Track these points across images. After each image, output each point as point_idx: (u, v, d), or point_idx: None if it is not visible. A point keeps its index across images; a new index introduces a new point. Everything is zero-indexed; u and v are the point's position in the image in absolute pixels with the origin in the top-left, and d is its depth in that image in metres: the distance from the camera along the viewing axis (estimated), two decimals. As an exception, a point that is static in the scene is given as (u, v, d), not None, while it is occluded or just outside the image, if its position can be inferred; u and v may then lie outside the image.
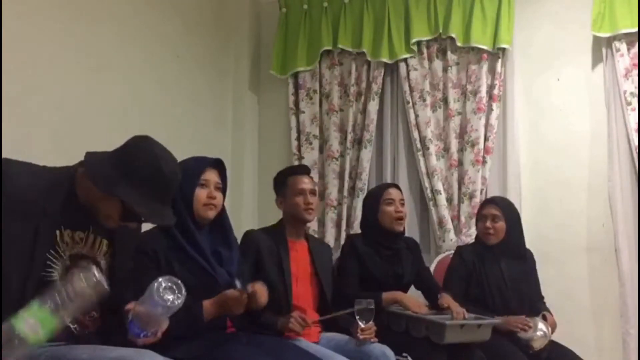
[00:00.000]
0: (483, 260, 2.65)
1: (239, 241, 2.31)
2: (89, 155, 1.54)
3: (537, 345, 2.43)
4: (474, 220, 2.96)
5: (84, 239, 1.56)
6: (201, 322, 1.78)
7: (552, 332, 2.50)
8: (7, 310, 1.29)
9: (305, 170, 2.52)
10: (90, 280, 1.32)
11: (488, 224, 2.63)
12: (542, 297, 2.74)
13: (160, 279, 1.45)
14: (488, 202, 2.75)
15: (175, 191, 1.63)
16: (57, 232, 1.48)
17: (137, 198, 1.48)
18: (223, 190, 2.00)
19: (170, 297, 1.44)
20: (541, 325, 2.45)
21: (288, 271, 2.28)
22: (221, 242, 2.00)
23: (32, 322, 1.23)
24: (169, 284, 1.45)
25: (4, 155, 1.50)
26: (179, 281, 1.48)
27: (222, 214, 2.00)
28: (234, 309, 1.82)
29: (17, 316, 1.23)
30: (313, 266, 2.41)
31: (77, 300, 1.30)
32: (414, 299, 2.49)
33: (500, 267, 2.63)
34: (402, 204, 2.63)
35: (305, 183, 2.42)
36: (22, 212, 1.41)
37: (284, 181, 2.46)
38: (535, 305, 2.62)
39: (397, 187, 2.71)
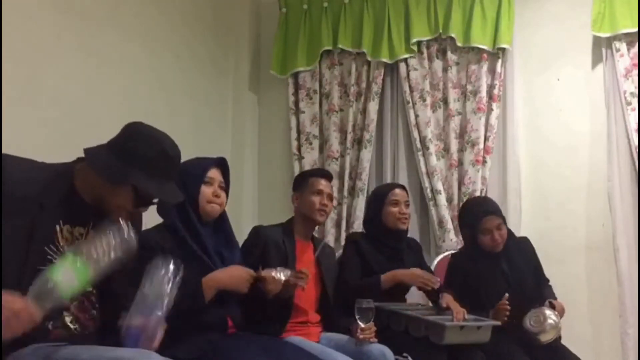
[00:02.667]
0: (480, 266, 2.57)
1: (245, 236, 2.35)
2: (88, 150, 1.54)
3: (548, 337, 2.36)
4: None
5: (84, 235, 1.56)
6: (201, 295, 1.79)
7: (561, 317, 2.44)
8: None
9: (327, 175, 2.53)
10: (123, 236, 1.37)
11: (496, 236, 2.53)
12: (547, 280, 2.69)
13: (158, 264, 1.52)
14: (487, 213, 2.55)
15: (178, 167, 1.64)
16: (57, 227, 1.48)
17: (148, 181, 1.50)
18: (226, 190, 2.01)
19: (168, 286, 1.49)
20: (549, 313, 2.38)
21: (293, 270, 2.28)
22: (223, 242, 2.01)
23: (70, 273, 1.29)
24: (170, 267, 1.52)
25: (3, 153, 1.50)
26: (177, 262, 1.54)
27: (222, 215, 2.01)
28: (240, 284, 1.85)
29: (55, 266, 1.29)
30: (318, 268, 2.41)
31: (109, 255, 1.35)
32: (415, 273, 2.48)
33: (502, 269, 2.58)
34: (407, 206, 2.64)
35: (325, 185, 2.44)
36: (19, 207, 1.41)
37: (305, 180, 2.47)
38: (541, 293, 2.57)
39: (403, 187, 2.71)
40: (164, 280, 1.48)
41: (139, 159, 1.51)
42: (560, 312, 2.48)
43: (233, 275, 1.88)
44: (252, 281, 1.89)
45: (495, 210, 2.59)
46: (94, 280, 1.36)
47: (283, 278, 1.96)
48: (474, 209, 2.66)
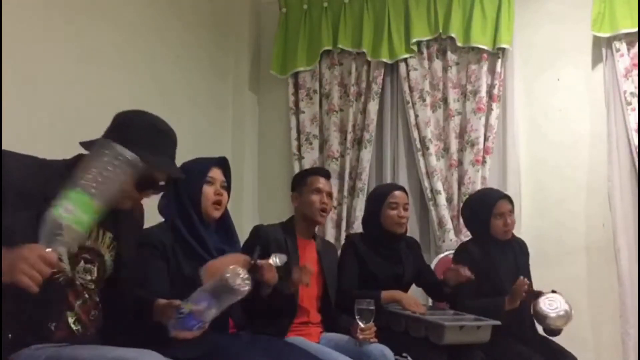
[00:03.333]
0: (492, 255, 2.60)
1: (246, 236, 2.35)
2: (85, 143, 1.55)
3: (559, 323, 2.38)
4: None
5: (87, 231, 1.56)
6: (199, 281, 1.76)
7: None
8: (9, 298, 1.30)
9: (326, 173, 2.52)
10: (119, 156, 1.29)
11: (509, 220, 2.61)
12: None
13: (230, 267, 1.54)
14: (500, 197, 2.66)
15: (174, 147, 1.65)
16: None
17: (144, 153, 1.48)
18: (228, 189, 2.02)
19: (239, 281, 1.51)
20: (564, 300, 2.39)
21: (296, 265, 2.28)
22: (225, 239, 2.01)
23: (71, 207, 1.22)
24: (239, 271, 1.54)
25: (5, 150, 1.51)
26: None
27: (224, 213, 2.01)
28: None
29: (55, 206, 1.22)
30: (319, 266, 2.41)
31: (111, 178, 1.27)
32: (412, 299, 2.50)
33: (511, 259, 2.63)
34: (406, 208, 2.62)
35: (324, 184, 2.43)
36: (25, 201, 1.41)
37: (304, 179, 2.46)
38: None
39: (403, 189, 2.69)
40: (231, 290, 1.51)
41: (133, 137, 1.51)
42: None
43: (229, 261, 1.83)
44: (249, 267, 1.83)
45: (507, 196, 2.69)
46: (104, 205, 1.27)
47: (279, 263, 1.92)
48: (487, 195, 2.74)
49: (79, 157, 1.57)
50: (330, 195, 2.46)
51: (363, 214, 2.82)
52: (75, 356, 1.38)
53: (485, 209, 2.63)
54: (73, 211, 1.21)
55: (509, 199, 2.67)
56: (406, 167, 3.43)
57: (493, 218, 2.61)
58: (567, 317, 2.39)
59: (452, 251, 3.05)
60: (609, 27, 3.08)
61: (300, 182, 2.47)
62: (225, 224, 2.03)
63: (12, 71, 2.08)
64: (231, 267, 1.55)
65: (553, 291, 2.49)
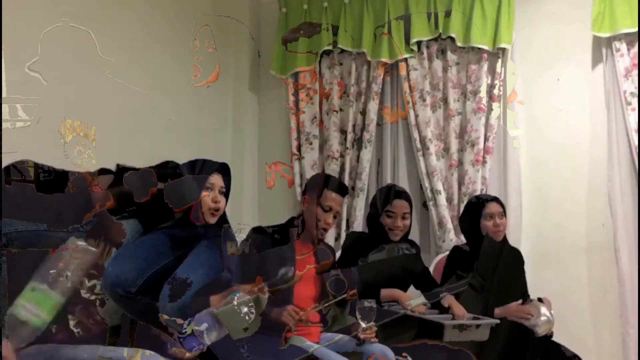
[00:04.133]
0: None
1: (245, 237, 2.33)
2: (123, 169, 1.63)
3: (542, 330, 2.43)
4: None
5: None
6: None
7: None
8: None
9: (344, 192, 2.47)
10: (77, 249, 1.35)
11: (498, 221, 2.65)
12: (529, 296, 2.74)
13: (236, 295, 1.59)
14: (489, 200, 2.73)
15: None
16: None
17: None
18: (226, 195, 2.02)
19: (245, 309, 1.57)
20: (544, 310, 2.44)
21: (292, 271, 2.28)
22: (222, 241, 2.01)
23: (29, 306, 1.25)
24: (245, 298, 1.58)
25: (4, 156, 1.50)
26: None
27: (221, 215, 2.01)
28: None
29: (14, 304, 1.25)
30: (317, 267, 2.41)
31: (69, 273, 1.32)
32: (407, 296, 2.49)
33: (502, 262, 2.64)
34: (405, 217, 2.62)
35: (336, 203, 2.38)
36: (40, 215, 1.42)
37: (321, 190, 2.40)
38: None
39: (404, 197, 2.67)
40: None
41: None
42: (548, 307, 2.54)
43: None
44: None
45: (497, 199, 2.75)
46: (67, 296, 1.33)
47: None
48: (478, 199, 2.82)
49: (99, 172, 1.60)
50: (337, 214, 2.42)
51: (369, 210, 2.82)
52: (75, 355, 1.39)
53: (475, 210, 2.71)
54: (35, 312, 1.27)
55: (499, 202, 2.72)
56: (406, 167, 3.43)
57: (483, 219, 2.66)
58: (548, 323, 2.45)
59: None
60: (609, 27, 3.08)
61: (315, 190, 2.41)
62: (222, 223, 2.02)
63: (12, 71, 2.07)
64: (240, 293, 1.58)
65: (539, 299, 2.53)
